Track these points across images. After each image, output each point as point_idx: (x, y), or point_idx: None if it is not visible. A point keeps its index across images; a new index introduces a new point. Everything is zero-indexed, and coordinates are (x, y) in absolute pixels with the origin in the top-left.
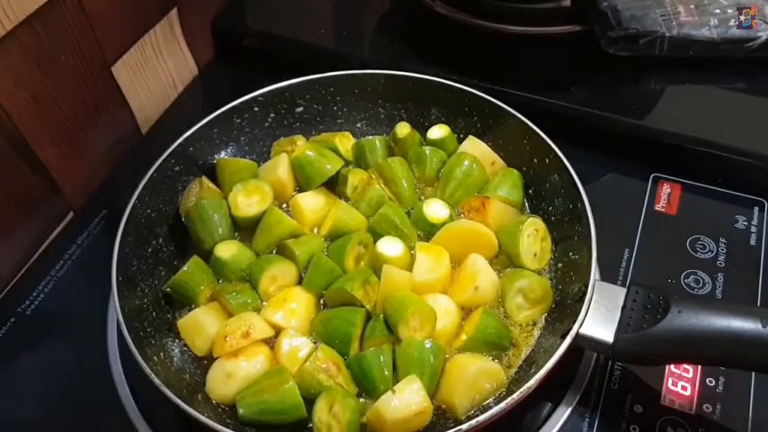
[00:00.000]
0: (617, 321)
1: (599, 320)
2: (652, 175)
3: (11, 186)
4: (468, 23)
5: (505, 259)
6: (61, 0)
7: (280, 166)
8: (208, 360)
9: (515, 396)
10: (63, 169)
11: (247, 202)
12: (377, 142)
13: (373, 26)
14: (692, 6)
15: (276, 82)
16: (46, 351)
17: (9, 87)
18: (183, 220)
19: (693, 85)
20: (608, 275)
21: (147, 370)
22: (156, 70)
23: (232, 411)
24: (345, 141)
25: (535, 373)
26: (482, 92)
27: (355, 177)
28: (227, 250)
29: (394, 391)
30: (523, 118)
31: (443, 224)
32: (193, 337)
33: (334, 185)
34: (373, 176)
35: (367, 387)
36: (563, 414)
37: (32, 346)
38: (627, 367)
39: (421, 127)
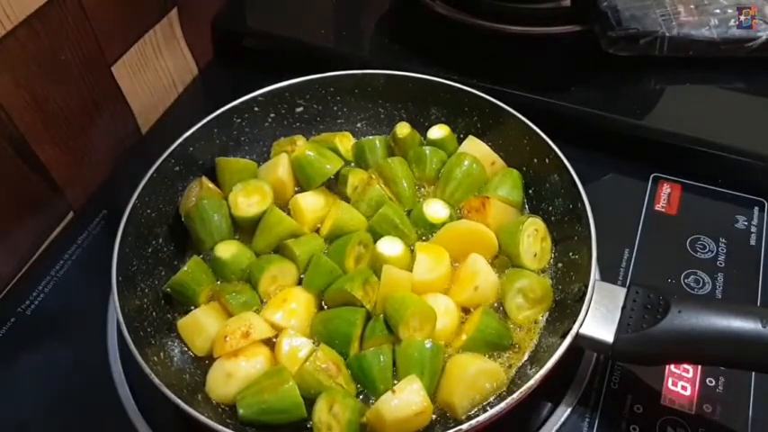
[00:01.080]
0: (617, 321)
1: (599, 320)
2: (652, 175)
3: (11, 186)
4: (468, 23)
5: (505, 259)
6: (61, 0)
7: (280, 166)
8: (208, 360)
9: (515, 396)
10: (63, 169)
11: (247, 202)
12: (377, 142)
13: (373, 26)
14: (692, 6)
15: (276, 82)
16: (46, 351)
17: (9, 87)
18: (183, 220)
19: (693, 85)
20: (608, 275)
21: (147, 370)
22: (156, 70)
23: (232, 411)
24: (345, 141)
25: (535, 373)
26: (482, 92)
27: (355, 177)
28: (227, 250)
29: (394, 391)
30: (523, 118)
31: (443, 224)
32: (193, 337)
33: (334, 185)
34: (373, 176)
35: (367, 387)
36: (563, 414)
37: (32, 346)
38: (627, 367)
39: (421, 127)
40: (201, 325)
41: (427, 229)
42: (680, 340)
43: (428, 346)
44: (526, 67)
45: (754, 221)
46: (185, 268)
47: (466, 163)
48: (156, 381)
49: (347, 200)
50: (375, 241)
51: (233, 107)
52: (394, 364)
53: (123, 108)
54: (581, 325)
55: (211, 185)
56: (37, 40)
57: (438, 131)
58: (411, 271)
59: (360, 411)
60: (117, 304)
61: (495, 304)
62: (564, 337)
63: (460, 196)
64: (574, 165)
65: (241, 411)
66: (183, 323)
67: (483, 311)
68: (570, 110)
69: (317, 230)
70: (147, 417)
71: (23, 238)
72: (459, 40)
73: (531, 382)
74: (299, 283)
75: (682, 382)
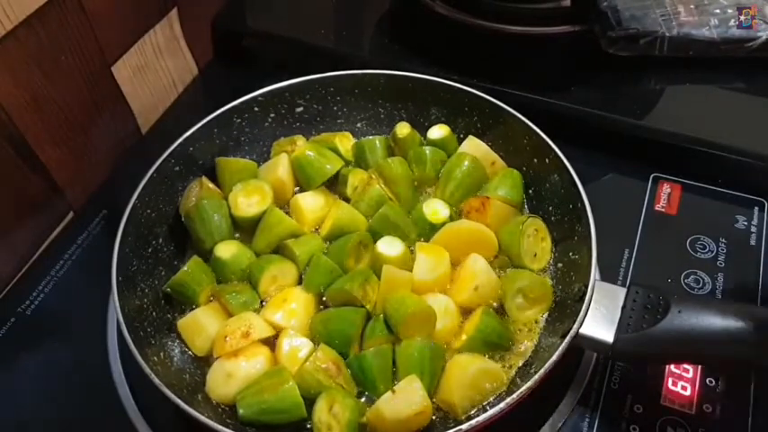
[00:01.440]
0: (617, 321)
1: (599, 320)
2: (652, 175)
3: (11, 186)
4: (468, 23)
5: (505, 259)
6: (61, 0)
7: (280, 166)
8: (208, 360)
9: (515, 396)
10: (63, 169)
11: (247, 202)
12: (377, 142)
13: (373, 26)
14: (692, 6)
15: (276, 82)
16: (46, 351)
17: (9, 87)
18: (183, 220)
19: (693, 85)
20: (608, 275)
21: (147, 370)
22: (156, 70)
23: (232, 411)
24: (345, 141)
25: (535, 373)
26: (482, 92)
27: (355, 177)
28: (227, 250)
29: (394, 391)
30: (523, 118)
31: (443, 224)
32: (193, 337)
33: (334, 185)
34: (373, 176)
35: (367, 387)
36: (563, 414)
37: (32, 346)
38: (627, 367)
39: (421, 127)
40: (201, 325)
41: (427, 229)
42: (680, 340)
43: (428, 346)
44: (526, 67)
45: (754, 221)
46: (185, 268)
47: (466, 163)
48: (156, 381)
49: (347, 200)
50: (375, 241)
51: (233, 107)
52: (394, 364)
53: (123, 108)
54: (581, 325)
55: (211, 185)
56: (37, 40)
57: (438, 131)
58: (411, 271)
59: (360, 411)
60: (117, 304)
61: (495, 304)
62: (564, 337)
63: (460, 196)
64: (574, 165)
65: (241, 411)
66: (183, 323)
67: (483, 311)
68: (570, 110)
69: (317, 230)
70: (147, 417)
71: (23, 238)
72: (459, 40)
73: (531, 382)
74: (299, 283)
75: (682, 382)
